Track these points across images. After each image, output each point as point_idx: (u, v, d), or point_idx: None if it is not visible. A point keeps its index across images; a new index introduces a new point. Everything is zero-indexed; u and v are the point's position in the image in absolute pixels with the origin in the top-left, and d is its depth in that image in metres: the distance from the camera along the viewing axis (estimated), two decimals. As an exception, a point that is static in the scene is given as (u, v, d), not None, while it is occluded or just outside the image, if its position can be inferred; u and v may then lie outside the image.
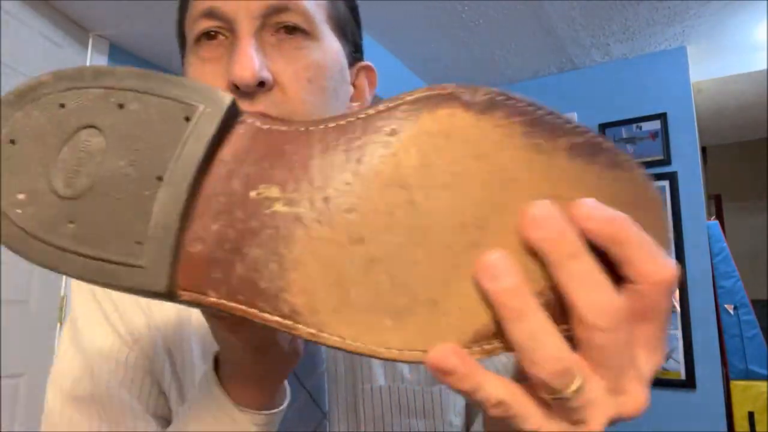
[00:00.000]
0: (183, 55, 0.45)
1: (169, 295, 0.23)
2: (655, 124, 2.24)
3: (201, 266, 0.23)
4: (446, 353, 0.20)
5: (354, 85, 0.47)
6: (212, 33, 0.39)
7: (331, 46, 0.42)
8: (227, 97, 0.24)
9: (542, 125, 0.22)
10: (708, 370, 2.04)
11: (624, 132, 2.30)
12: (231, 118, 0.24)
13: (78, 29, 1.88)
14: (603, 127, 2.33)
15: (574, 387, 0.21)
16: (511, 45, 2.25)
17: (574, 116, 2.38)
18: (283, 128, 0.24)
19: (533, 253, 0.21)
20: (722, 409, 2.02)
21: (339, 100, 0.42)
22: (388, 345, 0.21)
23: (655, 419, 2.10)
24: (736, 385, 2.07)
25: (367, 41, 0.47)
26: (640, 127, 2.27)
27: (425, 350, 0.21)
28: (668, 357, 2.09)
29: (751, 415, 2.03)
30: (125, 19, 1.83)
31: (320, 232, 0.22)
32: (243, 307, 0.22)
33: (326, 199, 0.23)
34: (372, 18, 2.13)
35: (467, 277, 0.21)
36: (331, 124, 0.24)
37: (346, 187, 0.23)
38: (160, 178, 0.23)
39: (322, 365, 0.45)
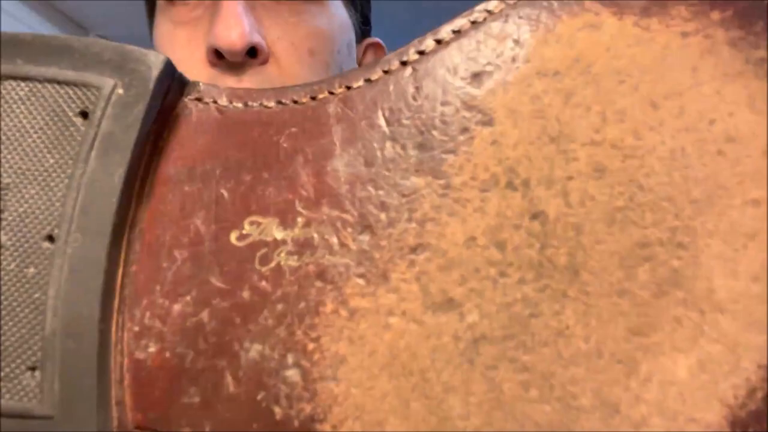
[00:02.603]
0: (151, 25, 0.36)
1: None
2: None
3: (163, 383, 0.13)
4: None
5: (360, 65, 0.37)
6: None
7: (338, 15, 0.34)
8: (156, 60, 0.14)
9: (761, 21, 0.13)
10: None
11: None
12: (170, 99, 0.14)
13: (78, 29, 1.87)
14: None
15: None
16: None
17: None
18: (271, 104, 0.14)
19: None
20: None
21: None
22: None
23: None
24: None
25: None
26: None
27: None
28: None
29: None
30: (125, 19, 1.82)
31: (370, 297, 0.13)
32: None
33: (371, 231, 0.13)
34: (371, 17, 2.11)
35: (670, 347, 0.12)
36: (358, 84, 0.14)
37: (406, 201, 0.13)
38: (50, 238, 0.13)
39: None
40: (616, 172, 0.12)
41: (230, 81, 0.28)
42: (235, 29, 0.28)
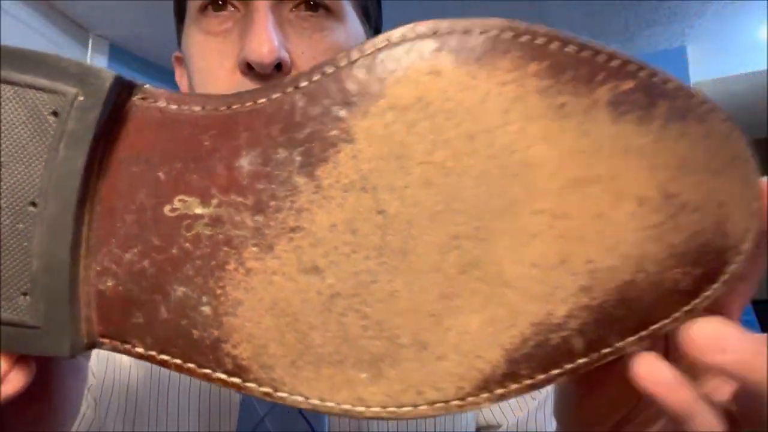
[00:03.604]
0: (180, 30, 0.40)
1: (89, 347, 0.18)
2: (655, 124, 2.24)
3: (118, 307, 0.18)
4: (653, 363, 0.16)
5: None
6: (221, 2, 0.34)
7: (354, 29, 0.37)
8: (109, 76, 0.17)
9: (570, 71, 0.16)
10: (708, 370, 2.04)
11: (624, 132, 2.30)
12: (120, 100, 0.18)
13: (78, 29, 1.88)
14: (603, 127, 2.33)
15: None
16: (511, 45, 2.25)
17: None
18: (197, 109, 0.18)
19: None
20: (722, 409, 2.01)
21: None
22: (366, 403, 0.17)
23: (655, 419, 2.10)
24: (736, 385, 2.06)
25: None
26: (640, 127, 2.27)
27: (416, 405, 0.17)
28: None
29: (751, 415, 2.03)
30: (125, 19, 1.83)
31: (260, 261, 0.17)
32: (178, 362, 0.18)
33: (264, 214, 0.17)
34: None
35: (467, 308, 0.17)
36: (261, 100, 0.17)
37: (289, 194, 0.17)
38: (33, 204, 0.17)
39: None
40: (439, 185, 0.17)
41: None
42: (266, 45, 0.31)
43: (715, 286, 0.17)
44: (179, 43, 0.40)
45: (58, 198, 0.17)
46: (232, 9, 0.34)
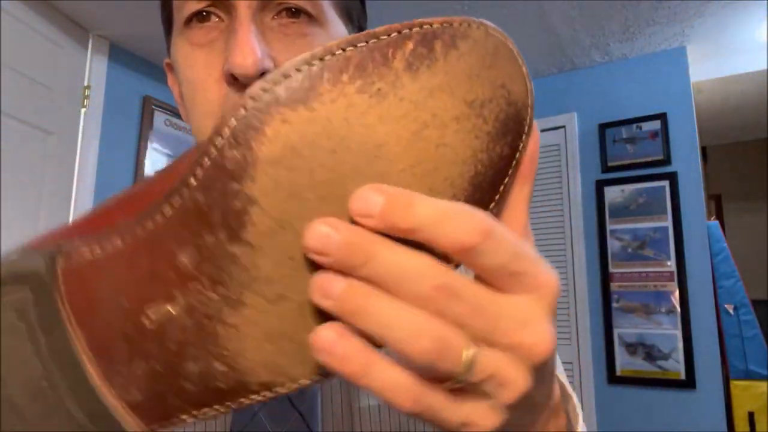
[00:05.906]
0: (168, 40, 0.40)
1: None
2: (655, 124, 2.24)
3: (151, 405, 0.21)
4: (328, 334, 0.19)
5: None
6: (205, 14, 0.35)
7: (337, 32, 0.38)
8: (39, 261, 0.21)
9: (369, 62, 0.20)
10: (708, 370, 2.04)
11: (624, 132, 2.30)
12: (55, 273, 0.21)
13: (78, 29, 1.88)
14: (603, 127, 2.33)
15: (465, 360, 0.18)
16: (511, 45, 2.25)
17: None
18: (118, 242, 0.21)
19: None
20: (722, 409, 2.02)
21: None
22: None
23: (655, 419, 2.10)
24: (736, 385, 2.07)
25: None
26: (640, 127, 2.27)
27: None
28: (668, 357, 2.09)
29: (751, 415, 2.03)
30: (125, 19, 1.83)
31: (238, 315, 0.20)
32: (220, 409, 0.21)
33: (222, 284, 0.20)
34: (371, 18, 2.09)
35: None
36: (168, 212, 0.20)
37: (231, 261, 0.20)
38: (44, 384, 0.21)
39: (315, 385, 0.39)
40: (331, 193, 0.20)
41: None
42: (249, 57, 0.31)
43: (524, 137, 0.23)
44: (168, 52, 0.41)
45: (59, 370, 0.20)
46: (217, 20, 0.35)
